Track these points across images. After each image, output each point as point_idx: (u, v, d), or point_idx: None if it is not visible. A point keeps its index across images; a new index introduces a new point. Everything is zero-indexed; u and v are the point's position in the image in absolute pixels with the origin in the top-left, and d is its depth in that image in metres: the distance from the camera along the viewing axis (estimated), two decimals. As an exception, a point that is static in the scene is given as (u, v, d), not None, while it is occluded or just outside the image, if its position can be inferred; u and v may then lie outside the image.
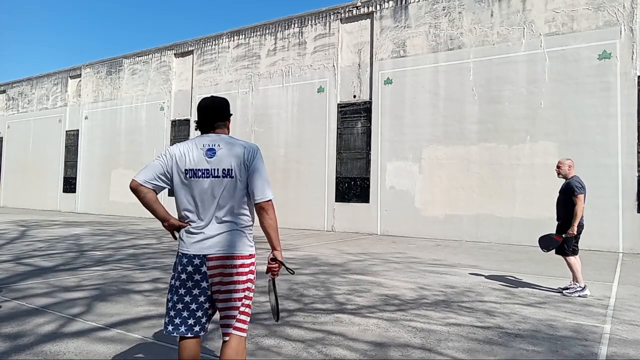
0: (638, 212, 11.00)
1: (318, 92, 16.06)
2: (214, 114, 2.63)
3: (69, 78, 24.52)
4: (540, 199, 12.04)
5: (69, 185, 23.77)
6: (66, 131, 24.23)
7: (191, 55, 19.78)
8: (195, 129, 2.68)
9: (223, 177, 2.51)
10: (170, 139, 19.90)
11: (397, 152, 14.33)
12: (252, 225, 2.62)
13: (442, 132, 13.57)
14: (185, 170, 2.53)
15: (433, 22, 13.98)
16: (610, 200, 11.21)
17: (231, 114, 2.75)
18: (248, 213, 2.59)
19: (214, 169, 2.51)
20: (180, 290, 2.53)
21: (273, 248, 2.60)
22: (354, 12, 15.60)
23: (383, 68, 14.78)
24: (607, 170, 11.29)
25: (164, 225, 2.60)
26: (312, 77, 16.27)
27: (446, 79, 13.62)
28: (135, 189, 2.56)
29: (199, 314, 2.54)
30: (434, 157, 13.70)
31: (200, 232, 2.52)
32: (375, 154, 14.76)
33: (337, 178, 15.46)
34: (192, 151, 2.55)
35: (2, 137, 27.90)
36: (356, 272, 7.41)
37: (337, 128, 15.63)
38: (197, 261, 2.50)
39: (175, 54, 20.29)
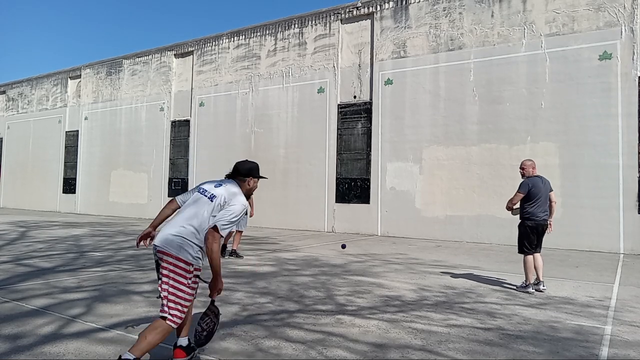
0: (639, 213, 10.99)
1: (318, 92, 16.06)
2: (234, 171, 3.49)
3: (68, 79, 24.52)
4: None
5: (69, 186, 23.76)
6: (66, 132, 24.22)
7: (191, 55, 19.78)
8: (226, 177, 3.51)
9: (209, 197, 3.24)
10: (170, 140, 19.89)
11: (398, 152, 14.32)
12: (200, 247, 3.16)
13: (443, 133, 13.56)
14: (198, 186, 3.41)
15: (433, 23, 13.97)
16: (611, 201, 11.20)
17: (259, 176, 3.53)
18: (200, 235, 3.14)
19: (206, 190, 3.31)
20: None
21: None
22: (354, 12, 15.59)
23: (383, 69, 14.77)
24: (607, 171, 11.28)
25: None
26: (312, 77, 16.27)
27: (446, 80, 13.62)
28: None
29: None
30: (434, 157, 13.68)
31: (165, 229, 3.26)
32: (375, 154, 14.75)
33: (337, 179, 15.45)
34: (211, 182, 3.42)
35: (2, 138, 27.89)
36: (357, 273, 7.40)
37: (338, 129, 15.62)
38: (156, 252, 3.29)
39: (175, 55, 20.28)
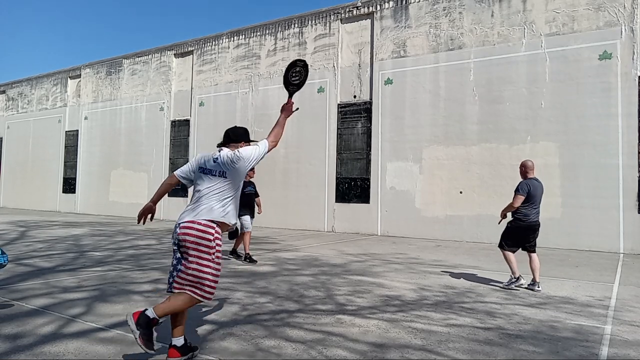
0: (639, 213, 10.99)
1: (318, 92, 16.05)
2: (225, 138, 3.67)
3: (68, 78, 24.52)
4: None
5: (69, 185, 23.75)
6: (66, 131, 24.22)
7: (191, 55, 19.78)
8: (217, 146, 3.67)
9: (219, 175, 3.45)
10: (170, 140, 19.89)
11: (398, 152, 14.32)
12: (220, 217, 3.40)
13: (443, 133, 13.56)
14: (201, 168, 3.51)
15: (433, 22, 13.97)
16: (611, 201, 11.20)
17: (249, 140, 3.70)
18: (222, 208, 3.41)
19: (212, 170, 3.47)
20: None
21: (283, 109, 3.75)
22: (354, 12, 15.59)
23: (383, 68, 14.77)
24: (607, 171, 11.28)
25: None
26: (312, 77, 16.14)
27: (446, 79, 13.61)
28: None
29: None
30: (434, 157, 13.68)
31: (184, 213, 3.49)
32: (375, 154, 14.75)
33: (337, 178, 15.45)
34: (209, 157, 3.55)
35: (1, 138, 27.89)
36: (357, 273, 7.40)
37: (337, 128, 15.62)
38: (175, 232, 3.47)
39: (175, 54, 20.28)
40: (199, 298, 3.28)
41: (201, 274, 3.26)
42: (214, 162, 3.49)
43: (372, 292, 6.00)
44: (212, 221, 3.34)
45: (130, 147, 21.24)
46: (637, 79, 11.20)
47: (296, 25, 16.84)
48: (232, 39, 18.47)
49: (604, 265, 8.91)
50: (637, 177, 11.07)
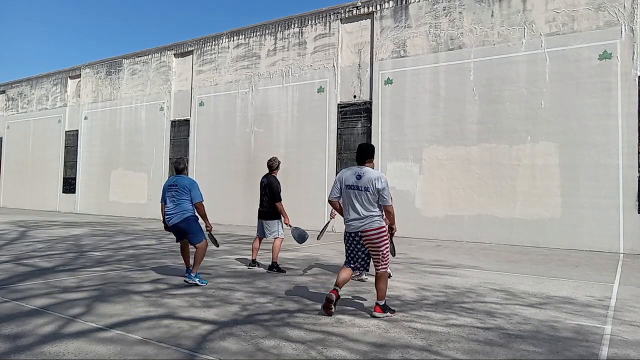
0: (639, 213, 10.99)
1: (318, 92, 16.05)
2: (363, 154, 4.89)
3: (68, 78, 24.51)
4: (541, 200, 12.04)
5: (69, 185, 23.75)
6: (66, 131, 24.22)
7: (191, 55, 19.77)
8: (355, 161, 4.93)
9: (364, 190, 4.70)
10: (170, 140, 19.89)
11: (398, 152, 14.32)
12: (380, 216, 4.81)
13: (443, 133, 13.56)
14: (346, 185, 4.84)
15: (433, 22, 13.97)
16: (611, 201, 11.20)
17: (373, 154, 5.05)
18: (377, 210, 4.76)
19: (358, 185, 4.73)
20: (348, 250, 4.96)
21: (391, 223, 5.05)
22: (354, 12, 15.59)
23: (383, 68, 14.77)
24: (607, 171, 11.28)
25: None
26: (312, 77, 16.26)
27: (446, 79, 13.61)
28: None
29: (360, 261, 4.95)
30: (434, 157, 13.68)
31: (353, 221, 4.85)
32: (375, 154, 14.71)
33: (337, 178, 15.42)
34: (350, 175, 4.84)
35: (1, 138, 27.89)
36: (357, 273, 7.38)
37: (337, 128, 15.62)
38: (355, 235, 4.86)
39: (175, 54, 20.28)
40: (387, 272, 4.83)
41: (384, 254, 4.80)
42: (358, 178, 4.72)
43: (372, 292, 5.98)
44: (376, 229, 4.88)
45: (130, 147, 21.23)
46: (637, 79, 11.20)
47: (296, 25, 16.84)
48: (232, 39, 18.47)
49: (604, 265, 8.91)
50: (637, 177, 11.07)
